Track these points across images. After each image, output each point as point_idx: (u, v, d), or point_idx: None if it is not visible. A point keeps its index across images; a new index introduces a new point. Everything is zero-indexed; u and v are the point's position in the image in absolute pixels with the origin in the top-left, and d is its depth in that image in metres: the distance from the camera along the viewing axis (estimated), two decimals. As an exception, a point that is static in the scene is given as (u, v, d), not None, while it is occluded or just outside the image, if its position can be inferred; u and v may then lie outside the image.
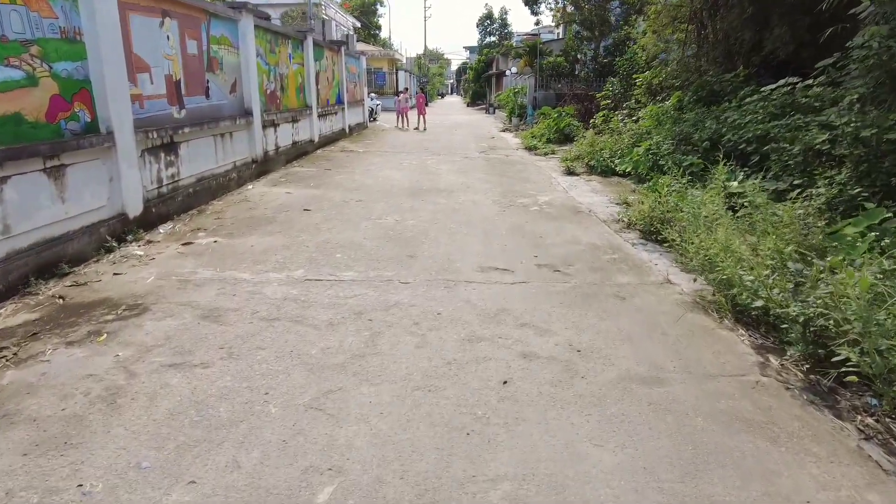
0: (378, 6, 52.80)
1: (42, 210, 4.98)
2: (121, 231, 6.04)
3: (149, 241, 6.15)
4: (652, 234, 6.24)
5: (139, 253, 5.74)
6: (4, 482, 2.48)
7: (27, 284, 4.70)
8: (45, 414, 2.98)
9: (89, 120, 5.69)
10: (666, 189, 7.56)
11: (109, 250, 5.72)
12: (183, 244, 6.08)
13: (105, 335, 3.91)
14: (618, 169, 10.60)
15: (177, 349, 3.68)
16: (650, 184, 8.64)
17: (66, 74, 5.36)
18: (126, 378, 3.33)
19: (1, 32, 4.61)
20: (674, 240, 5.47)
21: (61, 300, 4.53)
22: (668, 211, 6.29)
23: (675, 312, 4.33)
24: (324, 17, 29.12)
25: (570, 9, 26.76)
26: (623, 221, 6.95)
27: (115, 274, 5.15)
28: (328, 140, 16.05)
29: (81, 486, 2.47)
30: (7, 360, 3.55)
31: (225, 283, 4.92)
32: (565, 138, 16.45)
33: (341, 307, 4.35)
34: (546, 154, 14.29)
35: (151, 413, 2.99)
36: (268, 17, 29.45)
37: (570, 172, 11.18)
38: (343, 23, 37.02)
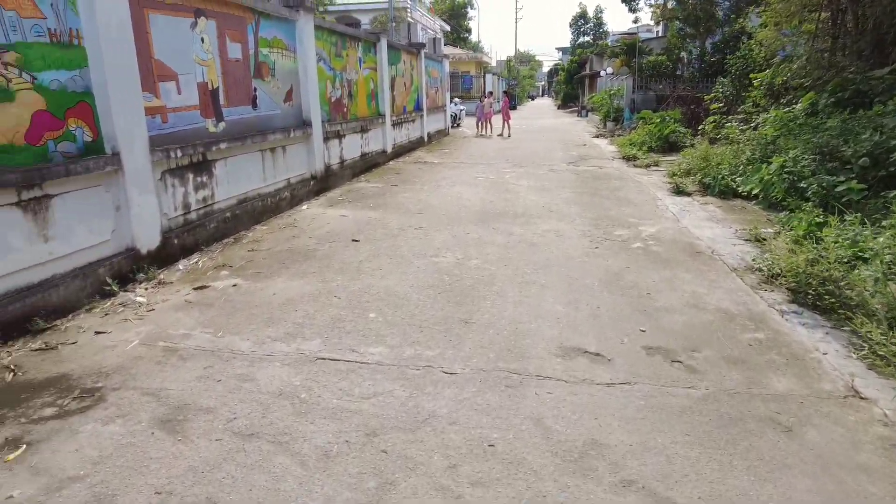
0: (468, 9, 51.76)
1: (13, 253, 4.04)
2: (128, 270, 5.07)
3: (160, 283, 5.15)
4: (808, 295, 4.41)
5: (140, 300, 4.72)
6: None
7: (-19, 350, 3.76)
8: None
9: (90, 139, 4.75)
10: (815, 224, 5.67)
11: (107, 296, 4.75)
12: (196, 288, 5.02)
13: (23, 448, 2.80)
14: (740, 189, 8.59)
15: (95, 493, 2.49)
16: (790, 214, 6.69)
17: (58, 86, 4.42)
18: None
19: (-42, 35, 3.70)
20: (857, 322, 3.68)
21: (12, 374, 3.53)
22: (833, 264, 4.45)
23: (885, 470, 2.60)
24: (409, 20, 28.36)
25: (671, 4, 24.23)
26: (761, 272, 5.11)
27: (97, 332, 4.12)
28: (403, 149, 14.97)
29: None
30: None
31: (217, 357, 3.73)
32: (670, 147, 14.35)
33: (349, 419, 3.00)
34: (647, 166, 12.34)
35: None
36: (358, 24, 29.22)
37: (678, 191, 9.27)
38: (430, 26, 36.23)
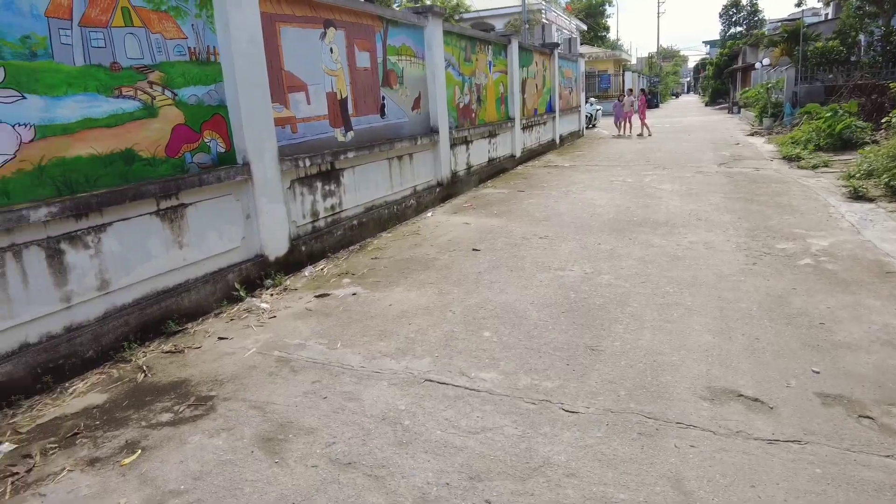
0: (606, 6, 49.72)
1: (152, 259, 4.29)
2: (256, 275, 5.24)
3: (285, 289, 5.25)
4: None
5: (264, 306, 4.82)
6: None
7: (122, 349, 3.99)
8: None
9: (223, 150, 4.96)
10: None
11: (234, 301, 4.92)
12: (318, 295, 5.03)
13: (138, 453, 2.85)
14: (944, 194, 7.02)
15: (189, 512, 2.41)
16: None
17: (196, 101, 4.65)
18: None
19: (112, 60, 3.97)
20: None
21: (143, 375, 3.69)
22: None
23: None
24: (544, 21, 27.74)
25: (847, -21, 21.14)
26: (985, 301, 3.99)
27: (220, 338, 4.24)
28: (533, 153, 14.51)
29: None
30: (10, 485, 2.66)
31: (326, 371, 3.62)
32: (843, 145, 12.36)
33: (452, 457, 2.67)
34: (815, 167, 10.69)
35: None
36: (491, 29, 29.21)
37: (857, 196, 7.83)
38: (566, 26, 35.23)
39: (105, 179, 3.98)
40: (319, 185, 6.20)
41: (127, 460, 2.81)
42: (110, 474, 2.70)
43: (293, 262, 5.71)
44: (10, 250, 3.42)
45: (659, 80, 51.69)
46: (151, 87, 4.29)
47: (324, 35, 6.19)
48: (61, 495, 2.58)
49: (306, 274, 5.70)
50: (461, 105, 9.93)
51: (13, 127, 3.45)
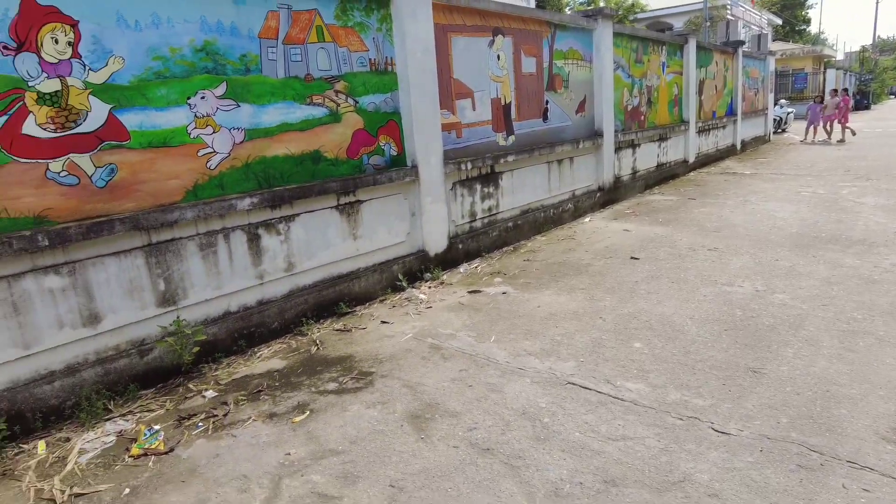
0: (807, -4, 44.21)
1: (330, 248, 4.84)
2: (417, 269, 5.63)
3: (441, 283, 5.58)
4: None
5: (422, 297, 5.18)
6: None
7: (300, 324, 4.58)
8: (159, 534, 2.39)
9: (395, 153, 5.41)
10: None
11: (397, 290, 5.35)
12: (470, 291, 5.27)
13: (307, 414, 3.28)
14: None
15: (344, 470, 2.73)
16: None
17: (373, 108, 5.14)
18: (259, 501, 2.53)
19: (305, 72, 4.57)
20: None
21: (316, 348, 4.21)
22: None
23: None
24: (728, 17, 25.54)
25: None
26: None
27: (382, 322, 4.65)
28: (709, 159, 13.48)
29: None
30: (212, 424, 3.23)
31: (474, 361, 3.81)
32: None
33: (589, 459, 2.68)
34: None
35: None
36: (669, 28, 27.74)
37: None
38: (754, 21, 32.01)
39: (296, 176, 4.59)
40: (479, 187, 6.45)
41: (297, 418, 3.24)
42: (284, 428, 3.15)
43: (450, 258, 6.03)
44: (221, 233, 4.11)
45: (872, 78, 44.60)
46: (337, 96, 4.84)
47: (492, 43, 6.43)
48: (247, 439, 3.07)
49: (461, 270, 5.98)
50: (629, 107, 9.60)
51: (230, 130, 4.15)
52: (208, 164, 4.05)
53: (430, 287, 5.48)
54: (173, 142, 3.84)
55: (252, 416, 3.30)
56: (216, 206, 4.01)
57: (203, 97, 3.97)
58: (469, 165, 6.18)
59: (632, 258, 6.02)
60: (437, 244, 5.85)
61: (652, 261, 5.87)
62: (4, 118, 3.17)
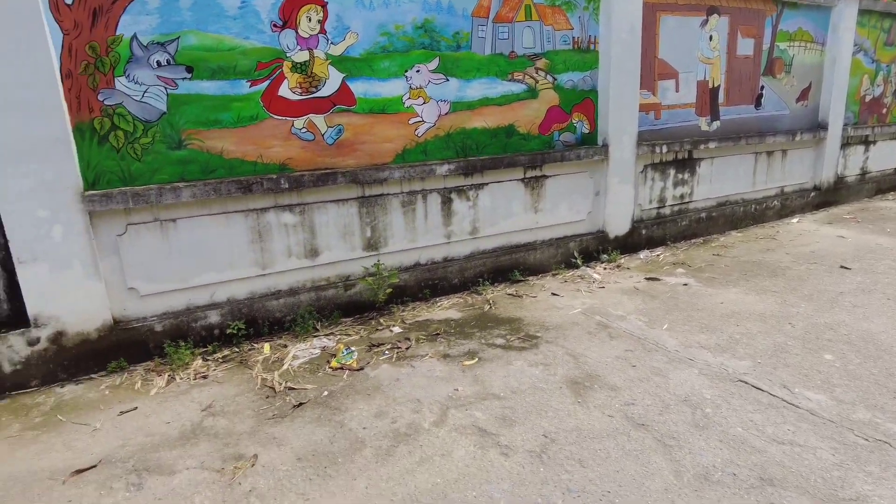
0: None
1: (511, 217, 5.12)
2: (594, 249, 5.67)
3: (618, 266, 5.55)
4: None
5: (595, 276, 5.23)
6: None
7: (477, 284, 4.95)
8: (352, 426, 2.90)
9: (587, 131, 5.47)
10: None
11: (570, 266, 5.46)
12: (648, 278, 5.19)
13: (476, 360, 3.62)
14: None
15: (503, 413, 3.00)
16: None
17: (571, 85, 5.24)
18: (428, 423, 2.91)
19: (510, 49, 4.83)
20: None
21: (488, 307, 4.55)
22: None
23: None
24: None
25: None
26: None
27: (552, 294, 4.83)
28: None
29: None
30: (396, 354, 3.74)
31: (640, 344, 3.82)
32: None
33: (747, 455, 2.60)
34: None
35: (382, 470, 2.46)
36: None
37: None
38: None
39: (489, 148, 4.91)
40: (672, 172, 6.21)
41: (467, 363, 3.60)
42: (454, 368, 3.53)
43: (631, 243, 5.94)
44: (420, 193, 4.60)
45: None
46: (536, 73, 5.03)
47: (705, 22, 6.06)
48: (423, 370, 3.50)
49: (641, 256, 5.87)
50: (867, 98, 8.31)
51: (437, 102, 4.58)
52: (416, 132, 4.54)
53: (605, 268, 5.50)
54: (390, 109, 4.39)
55: (429, 353, 3.74)
56: (419, 169, 4.50)
57: (418, 70, 4.45)
58: (664, 149, 5.98)
59: (841, 267, 5.36)
60: (618, 226, 5.80)
61: (866, 273, 5.17)
62: (267, 83, 3.93)
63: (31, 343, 3.40)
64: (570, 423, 2.90)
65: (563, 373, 3.44)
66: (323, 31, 4.05)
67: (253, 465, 2.63)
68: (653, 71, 5.78)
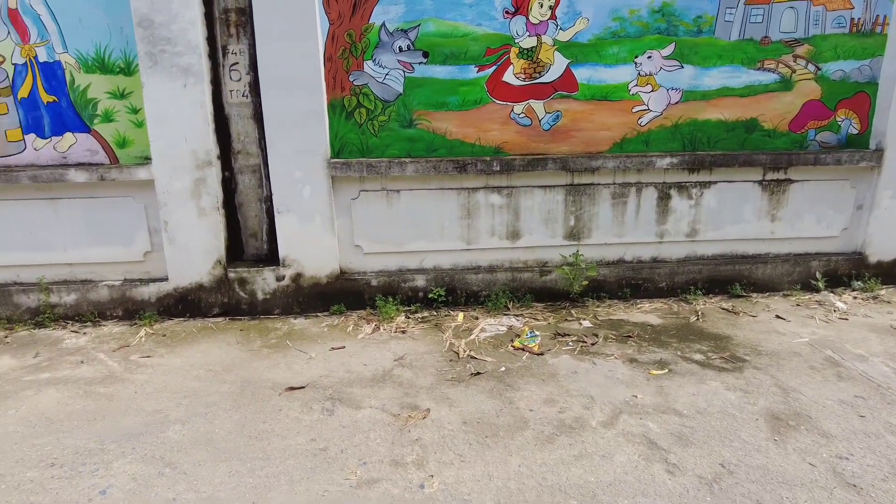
0: None
1: (740, 223, 4.57)
2: (844, 272, 4.76)
3: (874, 297, 4.59)
4: None
5: (840, 305, 4.41)
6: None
7: (687, 291, 4.56)
8: (520, 405, 2.97)
9: (855, 132, 4.57)
10: None
11: (808, 289, 4.68)
12: (914, 317, 4.20)
13: (665, 371, 3.38)
14: None
15: (681, 431, 2.76)
16: None
17: (840, 76, 4.42)
18: (596, 421, 2.82)
19: (764, 34, 4.26)
20: None
21: (695, 318, 4.17)
22: None
23: None
24: None
25: None
26: None
27: (777, 316, 4.22)
28: None
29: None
30: (580, 347, 3.69)
31: (878, 393, 3.14)
32: None
33: None
34: None
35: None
36: None
37: None
38: None
39: (722, 143, 4.44)
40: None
41: (655, 372, 3.37)
42: (638, 374, 3.34)
43: (899, 272, 4.85)
44: (634, 186, 4.39)
45: None
46: (794, 61, 4.35)
47: None
48: (604, 370, 3.39)
49: (912, 291, 4.75)
50: None
51: (668, 91, 4.28)
52: (639, 121, 4.32)
53: (854, 297, 4.59)
54: (613, 96, 4.24)
55: (615, 354, 3.60)
56: (636, 160, 4.28)
57: (650, 57, 4.21)
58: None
59: None
60: (884, 250, 4.77)
61: None
62: (493, 68, 4.11)
63: (279, 279, 4.17)
64: (757, 459, 2.55)
65: (765, 404, 3.01)
66: (553, 17, 4.07)
67: (424, 418, 2.88)
68: (968, 60, 4.54)
